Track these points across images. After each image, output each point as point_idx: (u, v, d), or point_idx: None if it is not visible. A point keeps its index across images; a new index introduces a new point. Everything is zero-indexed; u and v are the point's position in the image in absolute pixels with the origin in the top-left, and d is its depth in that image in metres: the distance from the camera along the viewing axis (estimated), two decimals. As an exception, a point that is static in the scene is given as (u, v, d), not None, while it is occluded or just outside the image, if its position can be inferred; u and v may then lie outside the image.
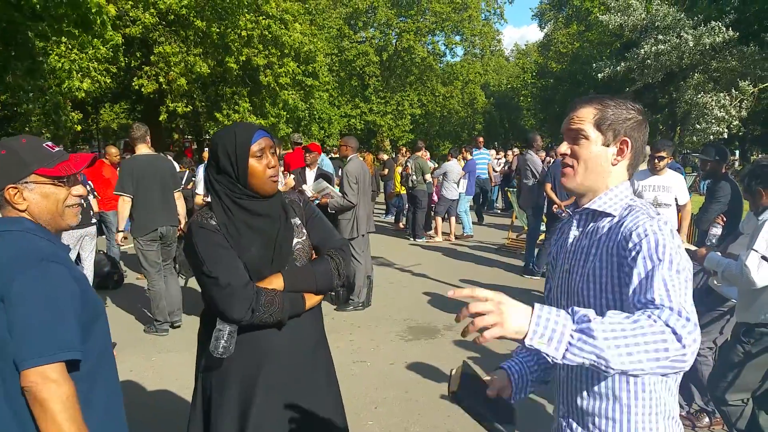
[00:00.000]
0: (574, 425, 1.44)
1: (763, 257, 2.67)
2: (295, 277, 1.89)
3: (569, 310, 1.11)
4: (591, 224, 1.44)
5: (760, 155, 32.47)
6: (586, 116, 1.41)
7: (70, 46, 12.20)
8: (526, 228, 9.47)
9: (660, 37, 15.05)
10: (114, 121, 31.89)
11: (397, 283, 7.33)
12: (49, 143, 1.60)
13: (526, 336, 1.06)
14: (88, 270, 6.80)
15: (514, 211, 10.26)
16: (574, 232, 1.49)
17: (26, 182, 1.53)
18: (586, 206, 1.44)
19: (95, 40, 11.61)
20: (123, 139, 27.83)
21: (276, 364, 1.88)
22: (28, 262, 1.43)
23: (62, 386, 1.37)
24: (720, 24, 14.41)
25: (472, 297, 1.11)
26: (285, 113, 22.30)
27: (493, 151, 18.04)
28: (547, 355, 1.06)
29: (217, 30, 17.76)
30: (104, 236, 7.77)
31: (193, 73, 18.28)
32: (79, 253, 6.65)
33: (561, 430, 1.49)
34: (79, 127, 17.38)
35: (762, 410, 2.96)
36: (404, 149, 13.27)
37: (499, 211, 15.07)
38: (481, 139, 13.32)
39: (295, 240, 1.96)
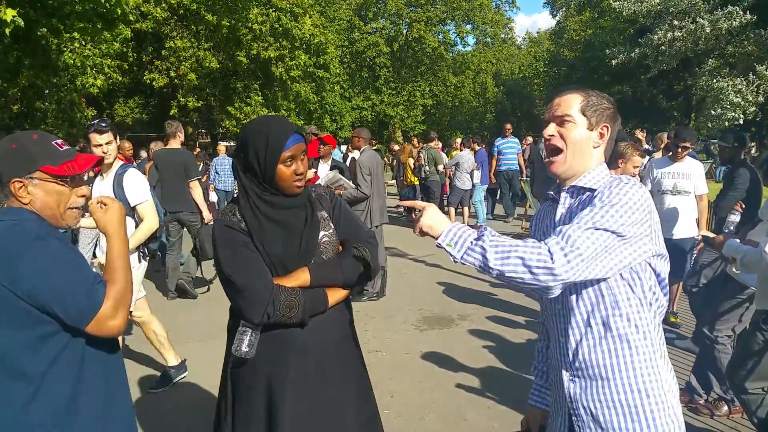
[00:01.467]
0: (578, 381, 1.54)
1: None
2: (321, 270, 1.87)
3: (481, 226, 1.45)
4: (577, 200, 1.57)
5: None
6: (571, 102, 1.56)
7: (83, 42, 12.29)
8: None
9: (675, 23, 14.77)
10: (128, 116, 32.14)
11: (411, 274, 7.34)
12: (59, 141, 1.63)
13: (439, 236, 1.44)
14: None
15: (528, 200, 10.20)
16: (561, 210, 1.60)
17: (31, 177, 1.57)
18: (574, 183, 1.58)
19: (107, 34, 11.68)
20: (138, 133, 28.07)
21: (304, 358, 1.85)
22: (26, 243, 1.47)
23: (117, 318, 1.53)
24: (737, 8, 14.11)
25: (414, 205, 1.55)
26: (295, 107, 22.34)
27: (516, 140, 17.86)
28: (450, 255, 1.42)
29: (227, 24, 17.78)
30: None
31: (203, 67, 18.36)
32: (95, 252, 6.73)
33: (564, 392, 1.57)
34: (87, 122, 17.54)
35: (783, 398, 2.92)
36: (416, 140, 13.19)
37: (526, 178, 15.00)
38: (508, 126, 12.02)
39: (322, 233, 1.93)
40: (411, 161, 11.52)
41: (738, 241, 2.99)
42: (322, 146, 6.48)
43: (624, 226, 1.37)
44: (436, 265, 7.85)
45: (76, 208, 1.65)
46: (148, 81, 18.72)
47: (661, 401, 1.46)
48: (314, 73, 22.59)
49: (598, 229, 1.36)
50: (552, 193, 1.66)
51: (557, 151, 1.57)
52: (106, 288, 1.54)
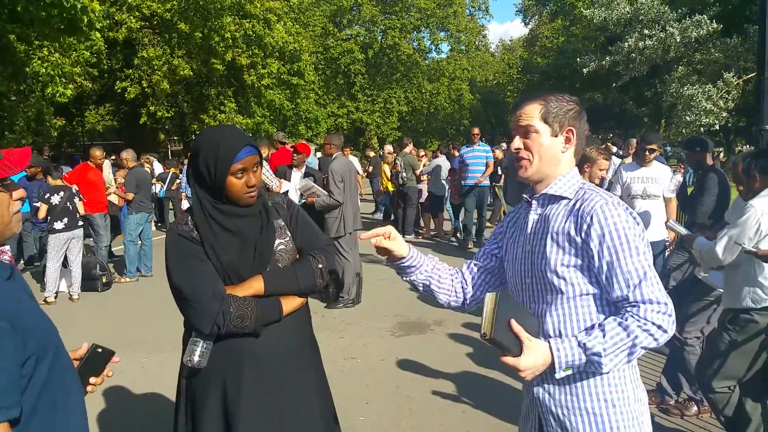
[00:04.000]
0: (546, 387, 1.55)
1: (739, 244, 2.71)
2: (275, 278, 1.84)
3: (577, 337, 1.44)
4: (548, 207, 1.57)
5: (745, 146, 32.85)
6: (532, 112, 1.55)
7: (52, 50, 12.07)
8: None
9: (645, 31, 15.14)
10: (99, 123, 31.60)
11: (388, 280, 7.31)
12: None
13: (557, 372, 1.43)
14: (76, 272, 6.75)
15: (502, 206, 10.29)
16: (533, 216, 1.60)
17: None
18: (543, 191, 1.57)
19: (79, 44, 11.50)
20: (108, 141, 27.62)
21: (258, 367, 1.83)
22: None
23: None
24: (704, 17, 14.51)
25: (376, 234, 1.66)
26: (270, 113, 22.25)
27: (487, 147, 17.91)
28: (596, 369, 1.43)
29: (200, 33, 17.67)
30: (91, 239, 7.70)
31: (176, 75, 18.19)
32: (66, 256, 6.60)
33: (533, 397, 1.59)
34: (55, 133, 17.25)
35: (748, 397, 2.98)
36: (389, 147, 13.16)
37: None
38: (476, 130, 9.64)
39: (278, 241, 1.91)
40: (387, 168, 11.53)
41: (705, 239, 3.07)
42: (295, 155, 6.46)
43: (648, 250, 1.45)
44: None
45: (17, 211, 1.36)
46: (119, 90, 18.47)
47: (626, 411, 1.48)
48: (288, 80, 22.54)
49: (647, 271, 1.41)
50: (527, 197, 1.65)
51: (523, 159, 1.58)
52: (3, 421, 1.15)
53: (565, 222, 1.49)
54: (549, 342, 1.43)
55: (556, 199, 1.55)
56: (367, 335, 5.23)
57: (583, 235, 1.44)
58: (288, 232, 1.96)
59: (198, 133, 20.29)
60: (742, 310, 2.86)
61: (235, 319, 1.74)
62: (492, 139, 38.23)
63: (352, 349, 4.87)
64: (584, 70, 17.80)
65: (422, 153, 11.92)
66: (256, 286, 1.81)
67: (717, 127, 15.75)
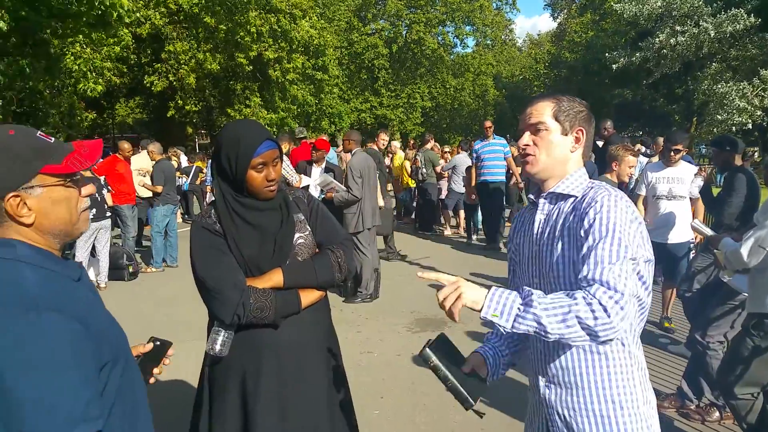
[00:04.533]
0: (553, 387, 1.54)
1: (763, 248, 2.64)
2: (294, 272, 1.89)
3: (520, 290, 1.33)
4: (555, 206, 1.55)
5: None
6: (543, 109, 1.54)
7: (84, 45, 12.32)
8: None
9: (678, 27, 14.71)
10: (129, 116, 32.19)
11: (406, 276, 7.32)
12: (42, 131, 1.24)
13: (481, 309, 1.30)
14: (104, 261, 6.91)
15: (524, 203, 10.19)
16: (539, 216, 1.58)
17: (30, 186, 1.16)
18: (551, 190, 1.55)
19: (109, 39, 11.69)
20: (139, 134, 28.12)
21: (277, 357, 1.89)
22: (9, 316, 1.06)
23: None
24: (741, 11, 14.03)
25: (438, 281, 1.38)
26: (294, 108, 22.37)
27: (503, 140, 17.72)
28: (499, 325, 1.29)
29: (225, 28, 17.84)
30: (119, 229, 7.87)
31: (203, 69, 18.41)
32: (94, 245, 6.76)
33: (540, 397, 1.58)
34: (87, 126, 17.60)
35: (772, 404, 2.91)
36: (411, 142, 13.13)
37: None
38: (488, 123, 8.87)
39: (297, 235, 1.95)
40: (408, 164, 11.52)
41: (731, 239, 3.00)
42: (314, 152, 6.49)
43: (636, 248, 1.37)
44: (430, 267, 7.84)
45: (85, 209, 1.29)
46: (148, 84, 18.78)
47: (634, 413, 1.46)
48: (313, 75, 22.64)
49: (623, 263, 1.33)
50: (532, 196, 1.64)
51: (531, 155, 1.56)
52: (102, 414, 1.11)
53: (571, 217, 1.48)
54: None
55: (564, 197, 1.54)
56: (384, 330, 5.24)
57: (582, 225, 1.41)
58: (308, 227, 2.00)
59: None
60: (767, 315, 2.79)
61: (255, 310, 1.80)
62: (517, 136, 37.85)
63: (368, 344, 4.88)
64: (613, 66, 17.44)
65: (447, 149, 11.79)
66: (275, 278, 1.86)
67: (750, 126, 15.28)
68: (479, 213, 9.67)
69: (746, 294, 3.15)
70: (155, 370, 1.52)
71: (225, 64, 19.46)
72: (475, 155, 8.82)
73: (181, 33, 18.93)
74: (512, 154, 8.85)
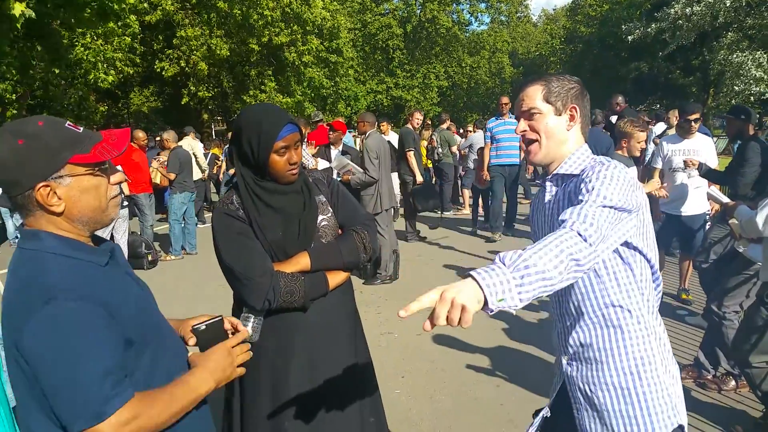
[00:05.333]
0: (574, 364, 1.58)
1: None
2: (321, 254, 1.90)
3: (496, 258, 1.19)
4: (562, 186, 1.61)
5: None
6: (534, 94, 1.59)
7: (94, 37, 12.43)
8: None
9: (693, -4, 14.41)
10: (144, 104, 32.45)
11: (425, 257, 7.39)
12: (71, 122, 1.26)
13: (486, 304, 1.12)
14: (122, 250, 7.04)
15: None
16: (548, 197, 1.64)
17: (60, 176, 1.19)
18: (556, 171, 1.60)
19: (116, 28, 11.76)
20: (155, 122, 28.36)
21: (305, 340, 1.90)
22: (33, 304, 1.11)
23: None
24: (759, -23, 13.72)
25: (421, 308, 1.14)
26: (310, 91, 22.33)
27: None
28: (509, 307, 1.14)
29: (239, 11, 17.79)
30: (137, 218, 8.01)
31: (214, 56, 18.41)
32: (112, 235, 6.92)
33: (562, 370, 1.63)
34: (99, 117, 17.74)
35: (787, 372, 2.94)
36: (429, 122, 13.09)
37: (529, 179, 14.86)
38: (505, 99, 8.19)
39: (321, 217, 1.96)
40: (424, 143, 11.52)
41: (747, 207, 3.01)
42: (331, 132, 6.53)
43: (623, 200, 1.36)
44: (449, 247, 7.90)
45: (116, 195, 1.31)
46: (159, 70, 18.86)
47: (654, 383, 1.49)
48: (327, 57, 22.55)
49: (605, 206, 1.33)
50: (540, 180, 1.71)
51: (532, 141, 1.61)
52: (127, 401, 1.14)
53: (571, 194, 1.53)
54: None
55: (568, 177, 1.58)
56: (404, 310, 5.31)
57: (578, 195, 1.43)
58: (330, 208, 2.01)
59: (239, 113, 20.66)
60: (782, 284, 2.81)
61: (285, 294, 1.81)
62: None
63: (388, 324, 4.97)
64: (629, 38, 17.11)
65: (470, 128, 11.70)
66: (302, 262, 1.87)
67: (767, 95, 14.96)
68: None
69: (761, 263, 3.16)
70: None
71: (237, 49, 19.43)
72: (489, 134, 8.16)
73: (193, 19, 18.95)
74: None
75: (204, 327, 1.47)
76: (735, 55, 14.07)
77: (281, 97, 20.96)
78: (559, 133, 1.58)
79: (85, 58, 12.16)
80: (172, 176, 7.91)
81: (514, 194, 8.40)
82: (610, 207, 1.33)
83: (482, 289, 1.11)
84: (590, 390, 1.54)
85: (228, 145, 11.10)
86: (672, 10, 14.66)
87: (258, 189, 1.86)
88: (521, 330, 4.65)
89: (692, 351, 3.91)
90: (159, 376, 1.27)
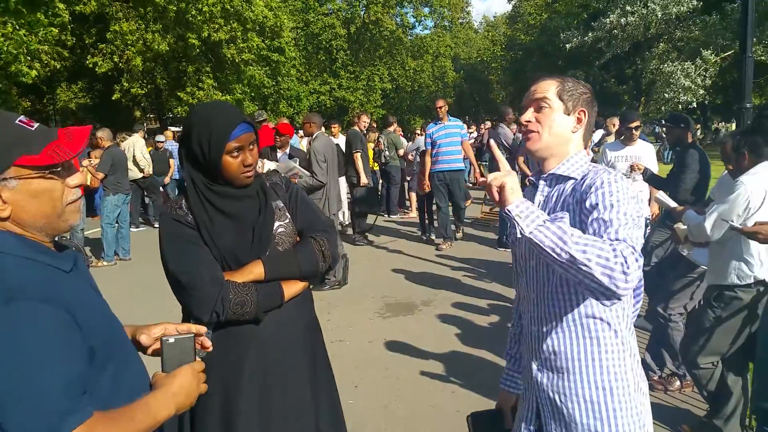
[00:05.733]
0: (545, 371, 1.54)
1: (726, 221, 2.74)
2: (276, 263, 1.79)
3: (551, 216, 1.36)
4: (555, 188, 1.56)
5: (720, 123, 33.28)
6: (548, 87, 1.56)
7: (17, 27, 11.60)
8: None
9: (627, 7, 15.13)
10: (72, 101, 30.83)
11: (374, 261, 7.32)
12: (23, 118, 1.15)
13: (510, 205, 1.32)
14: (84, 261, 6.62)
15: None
16: (539, 198, 1.59)
17: (4, 178, 1.09)
18: (551, 171, 1.57)
19: (44, 19, 11.03)
20: (83, 120, 26.98)
21: (259, 355, 1.78)
22: None
23: None
24: (685, -7, 14.56)
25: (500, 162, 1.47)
26: (250, 90, 21.88)
27: (459, 122, 17.78)
28: (518, 225, 1.30)
29: (175, 8, 17.18)
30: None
31: (151, 50, 17.71)
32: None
33: (531, 380, 1.59)
34: (21, 113, 16.71)
35: (730, 371, 3.04)
36: (374, 125, 13.06)
37: (471, 185, 15.11)
38: (440, 102, 7.85)
39: (277, 224, 1.85)
40: (371, 146, 11.47)
41: (694, 212, 3.10)
42: (278, 137, 6.37)
43: (638, 218, 1.38)
44: (397, 251, 7.87)
45: (75, 200, 1.19)
46: (91, 65, 17.96)
47: (625, 401, 1.46)
48: (269, 56, 22.15)
49: (636, 227, 1.34)
50: (533, 179, 1.65)
51: (533, 131, 1.57)
52: (85, 420, 1.02)
53: (570, 199, 1.49)
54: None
55: (564, 179, 1.54)
56: (355, 317, 5.23)
57: (585, 202, 1.42)
58: (287, 214, 1.89)
59: (179, 110, 19.94)
60: (727, 286, 2.91)
61: (235, 306, 1.69)
62: (476, 118, 38.31)
63: (339, 332, 4.86)
64: (567, 46, 17.76)
65: (418, 131, 11.72)
66: (255, 271, 1.76)
67: (694, 104, 15.90)
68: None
69: (705, 267, 3.27)
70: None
71: (174, 45, 18.77)
72: (429, 140, 7.75)
73: (128, 12, 18.14)
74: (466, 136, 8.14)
75: (173, 341, 1.32)
76: (665, 65, 14.89)
77: (220, 95, 20.38)
78: (564, 133, 1.55)
79: (5, 49, 11.29)
80: (100, 176, 7.50)
81: (460, 199, 7.98)
82: (639, 228, 1.36)
83: (517, 198, 1.33)
84: (560, 400, 1.50)
85: (178, 146, 10.67)
86: (608, 19, 15.34)
87: (209, 193, 1.74)
88: (473, 335, 4.65)
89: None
90: (121, 395, 1.16)
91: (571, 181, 1.52)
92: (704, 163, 4.50)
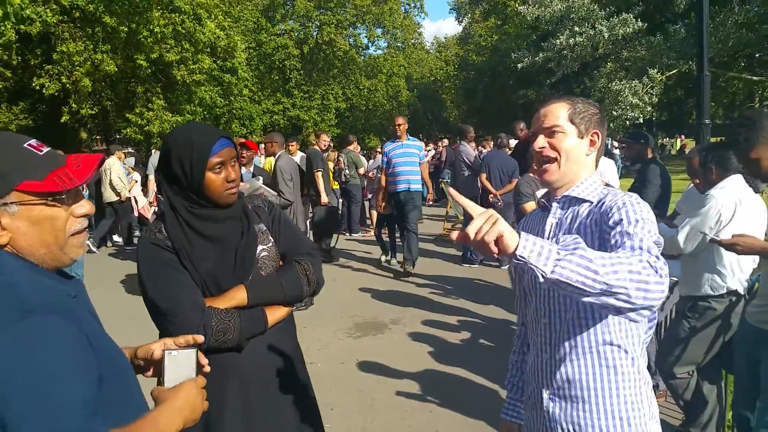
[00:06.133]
0: (558, 401, 1.48)
1: (704, 233, 2.81)
2: (259, 287, 1.72)
3: (554, 241, 1.19)
4: (569, 210, 1.51)
5: (665, 139, 34.86)
6: (558, 112, 1.51)
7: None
8: (460, 218, 9.61)
9: (576, 29, 15.73)
10: (13, 122, 29.63)
11: (339, 280, 7.21)
12: (33, 141, 1.11)
13: (517, 247, 1.11)
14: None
15: (449, 202, 10.39)
16: (551, 220, 1.54)
17: (5, 204, 1.04)
18: (566, 194, 1.52)
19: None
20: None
21: (241, 383, 1.72)
22: (6, 318, 0.97)
23: None
24: (630, 15, 15.25)
25: (466, 208, 1.19)
26: (201, 110, 21.58)
27: (417, 142, 17.97)
28: (536, 268, 1.11)
29: (126, 29, 16.83)
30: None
31: (100, 71, 17.26)
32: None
33: (542, 411, 1.52)
34: None
35: (705, 380, 3.09)
36: (331, 144, 13.01)
37: (430, 203, 15.24)
38: (400, 120, 7.52)
39: (260, 247, 1.79)
40: (330, 165, 11.40)
41: (666, 225, 3.16)
42: (245, 151, 6.24)
43: (659, 239, 1.34)
44: (361, 270, 7.79)
45: (79, 231, 1.13)
46: (38, 87, 17.32)
47: (641, 430, 1.42)
48: (221, 77, 21.93)
49: (657, 243, 1.30)
50: (544, 201, 1.60)
51: (550, 160, 1.51)
52: None
53: (587, 221, 1.44)
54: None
55: (579, 201, 1.50)
56: (325, 338, 5.11)
57: (607, 225, 1.37)
58: (270, 237, 1.83)
59: (128, 131, 19.37)
60: (701, 297, 2.96)
61: (217, 333, 1.62)
62: (429, 136, 38.83)
63: (310, 354, 4.70)
64: (518, 65, 18.28)
65: (379, 150, 11.73)
66: (238, 297, 1.69)
67: (641, 120, 16.58)
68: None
69: (675, 278, 3.34)
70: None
71: (123, 65, 18.34)
72: (385, 159, 7.37)
73: (75, 33, 17.60)
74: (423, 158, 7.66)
75: (176, 354, 1.26)
76: (614, 84, 15.51)
77: (170, 115, 20.01)
78: (580, 157, 1.51)
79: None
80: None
81: (412, 224, 7.20)
82: (659, 245, 1.30)
83: (519, 236, 1.11)
84: (573, 430, 1.45)
85: (155, 171, 10.33)
86: (557, 40, 15.87)
87: (188, 216, 1.69)
88: (446, 353, 4.61)
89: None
90: (122, 415, 1.11)
91: (587, 204, 1.48)
92: (665, 178, 4.64)
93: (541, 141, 1.51)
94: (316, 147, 8.34)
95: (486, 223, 1.11)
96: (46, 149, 1.11)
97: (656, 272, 1.17)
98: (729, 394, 3.20)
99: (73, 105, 17.92)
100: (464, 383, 4.05)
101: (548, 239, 1.51)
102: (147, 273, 1.66)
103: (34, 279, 1.05)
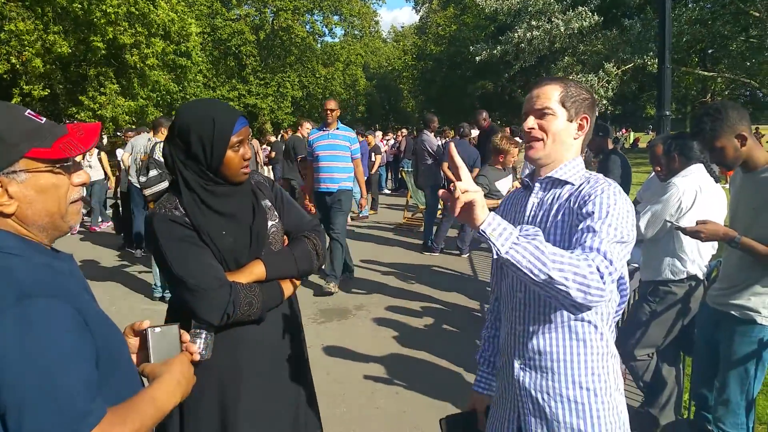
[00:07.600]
0: (528, 371, 1.54)
1: (668, 221, 2.91)
2: (276, 262, 1.80)
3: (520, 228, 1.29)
4: (551, 191, 1.55)
5: (620, 132, 35.97)
6: (550, 94, 1.53)
7: None
8: (421, 207, 9.66)
9: (533, 22, 15.91)
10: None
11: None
12: (31, 111, 1.09)
13: (482, 223, 1.22)
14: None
15: (409, 191, 10.43)
16: (533, 200, 1.57)
17: (13, 171, 1.02)
18: (549, 174, 1.54)
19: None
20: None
21: (258, 354, 1.79)
22: (2, 302, 0.95)
23: None
24: (586, 9, 15.54)
25: (461, 170, 1.25)
26: (156, 95, 20.94)
27: (379, 133, 17.95)
28: (494, 245, 1.22)
29: (80, 6, 16.10)
30: None
31: (51, 53, 16.49)
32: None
33: (513, 380, 1.57)
34: None
35: (664, 362, 3.22)
36: (287, 134, 12.88)
37: (389, 192, 15.27)
38: (331, 104, 5.98)
39: (270, 223, 1.85)
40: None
41: None
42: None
43: (630, 234, 1.38)
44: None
45: (76, 200, 1.13)
46: (-17, 68, 16.41)
47: (608, 401, 1.49)
48: (175, 60, 21.27)
49: (621, 242, 1.34)
50: (527, 180, 1.63)
51: (537, 139, 1.54)
52: (101, 418, 0.97)
53: (567, 204, 1.48)
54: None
55: (561, 183, 1.53)
56: (289, 324, 5.07)
57: (581, 209, 1.42)
58: (276, 213, 1.90)
59: (81, 115, 18.55)
60: (662, 282, 3.08)
61: (244, 307, 1.68)
62: (385, 125, 38.82)
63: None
64: (477, 58, 18.42)
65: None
66: (257, 271, 1.76)
67: (597, 113, 17.05)
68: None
69: (635, 265, 3.46)
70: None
71: (75, 48, 17.56)
72: (309, 148, 6.00)
73: (23, 12, 16.72)
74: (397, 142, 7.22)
75: (159, 330, 1.29)
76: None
77: (123, 100, 19.34)
78: (567, 139, 1.54)
79: None
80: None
81: (340, 232, 5.91)
82: (624, 243, 1.35)
83: (488, 214, 1.22)
84: (542, 399, 1.50)
85: (163, 148, 9.93)
86: (515, 34, 16.03)
87: (204, 193, 1.70)
88: (410, 337, 4.66)
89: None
90: (124, 393, 1.12)
91: (568, 186, 1.52)
92: (626, 168, 4.79)
93: (530, 121, 1.54)
94: (299, 134, 8.34)
95: (471, 188, 1.22)
96: (44, 119, 1.10)
97: (601, 278, 1.24)
98: (686, 376, 3.35)
99: (24, 86, 17.08)
100: (429, 366, 4.10)
101: (528, 217, 1.56)
102: (171, 251, 1.66)
103: (30, 259, 1.04)
